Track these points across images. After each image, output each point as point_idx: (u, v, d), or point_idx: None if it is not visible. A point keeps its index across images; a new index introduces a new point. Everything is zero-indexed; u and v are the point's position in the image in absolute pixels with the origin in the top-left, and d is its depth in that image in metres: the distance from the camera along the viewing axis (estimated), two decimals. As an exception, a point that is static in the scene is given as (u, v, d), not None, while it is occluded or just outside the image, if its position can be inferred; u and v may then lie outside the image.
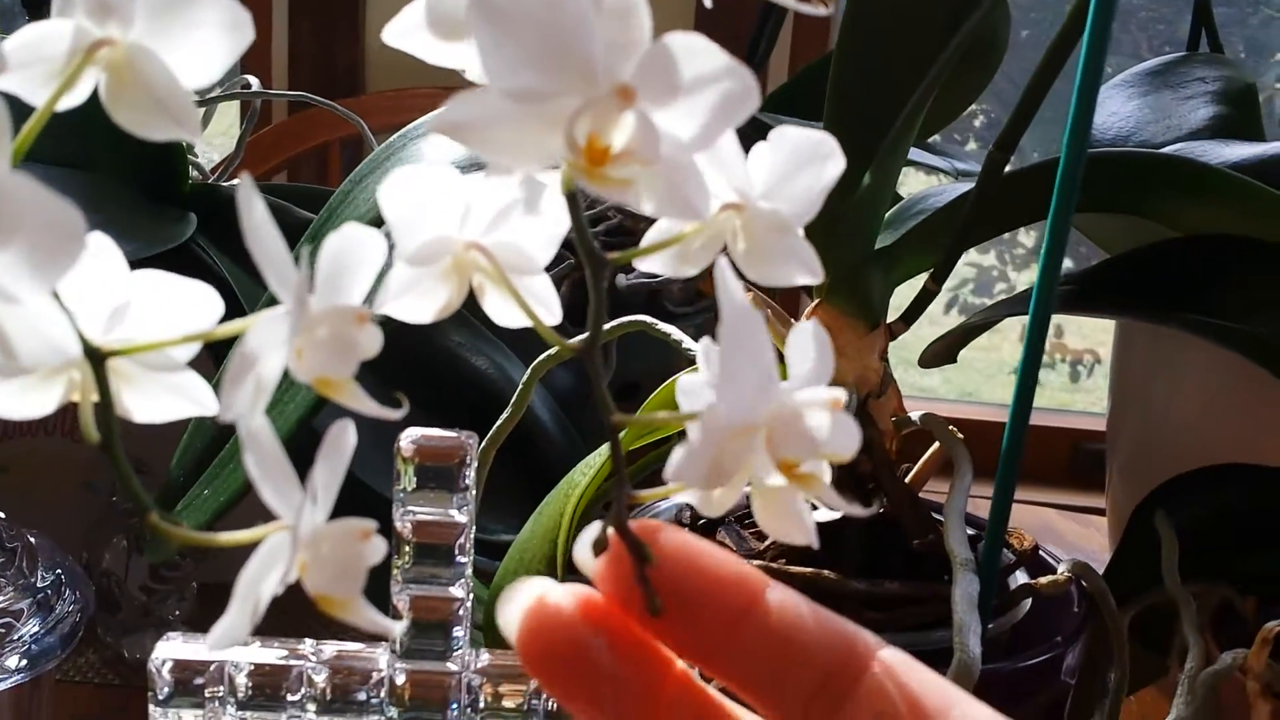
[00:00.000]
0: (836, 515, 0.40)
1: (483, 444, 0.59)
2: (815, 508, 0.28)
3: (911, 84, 0.57)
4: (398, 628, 0.28)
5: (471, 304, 0.36)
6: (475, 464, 0.40)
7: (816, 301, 0.56)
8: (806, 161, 0.31)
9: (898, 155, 0.57)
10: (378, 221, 0.56)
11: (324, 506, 0.26)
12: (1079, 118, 0.41)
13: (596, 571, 0.26)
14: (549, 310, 0.32)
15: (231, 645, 0.25)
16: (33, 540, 0.66)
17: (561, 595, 0.26)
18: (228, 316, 0.65)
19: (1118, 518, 0.94)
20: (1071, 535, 1.19)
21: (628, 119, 0.24)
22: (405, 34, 0.31)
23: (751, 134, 0.72)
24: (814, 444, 0.25)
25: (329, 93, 1.47)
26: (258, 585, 0.25)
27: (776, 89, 0.92)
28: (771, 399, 0.25)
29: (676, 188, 0.26)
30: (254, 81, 0.96)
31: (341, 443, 0.26)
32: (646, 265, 0.32)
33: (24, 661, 0.62)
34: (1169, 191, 0.62)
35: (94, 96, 0.29)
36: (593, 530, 0.27)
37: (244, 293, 0.73)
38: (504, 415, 0.61)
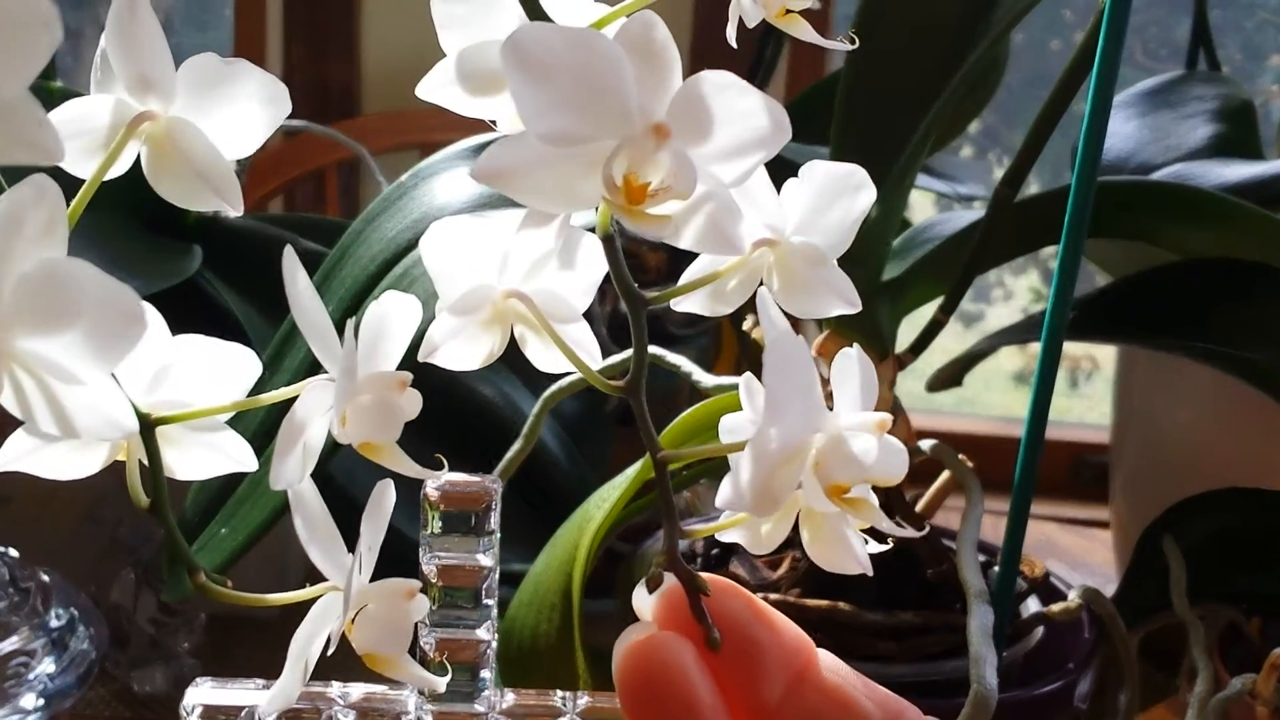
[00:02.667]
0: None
1: (494, 474, 0.59)
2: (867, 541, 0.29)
3: (917, 116, 0.58)
4: (442, 682, 0.29)
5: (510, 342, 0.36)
6: (499, 508, 0.40)
7: (826, 332, 0.56)
8: (838, 194, 0.32)
9: (904, 186, 0.58)
10: (391, 261, 0.57)
11: (368, 566, 0.27)
12: (1084, 168, 0.42)
13: (655, 611, 0.27)
14: (589, 355, 0.32)
15: (286, 706, 0.25)
16: (46, 579, 0.66)
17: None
18: None
19: (1122, 532, 0.95)
20: (1075, 549, 1.20)
21: (664, 156, 0.25)
22: (437, 89, 0.32)
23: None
24: (863, 468, 0.26)
25: (324, 115, 1.48)
26: (309, 645, 0.25)
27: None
28: (819, 424, 0.26)
29: (714, 222, 0.26)
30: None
31: (383, 503, 0.27)
32: (683, 305, 0.33)
33: (40, 701, 0.62)
34: (1169, 217, 0.63)
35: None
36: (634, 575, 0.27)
37: (250, 326, 0.73)
38: (515, 447, 0.61)
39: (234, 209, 0.28)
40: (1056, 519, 1.33)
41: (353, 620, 0.26)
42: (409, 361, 0.30)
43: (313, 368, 0.57)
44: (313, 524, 0.25)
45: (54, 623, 0.65)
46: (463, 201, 0.55)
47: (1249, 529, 0.58)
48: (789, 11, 0.35)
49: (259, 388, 0.35)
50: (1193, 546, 0.59)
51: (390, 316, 0.28)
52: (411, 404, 0.27)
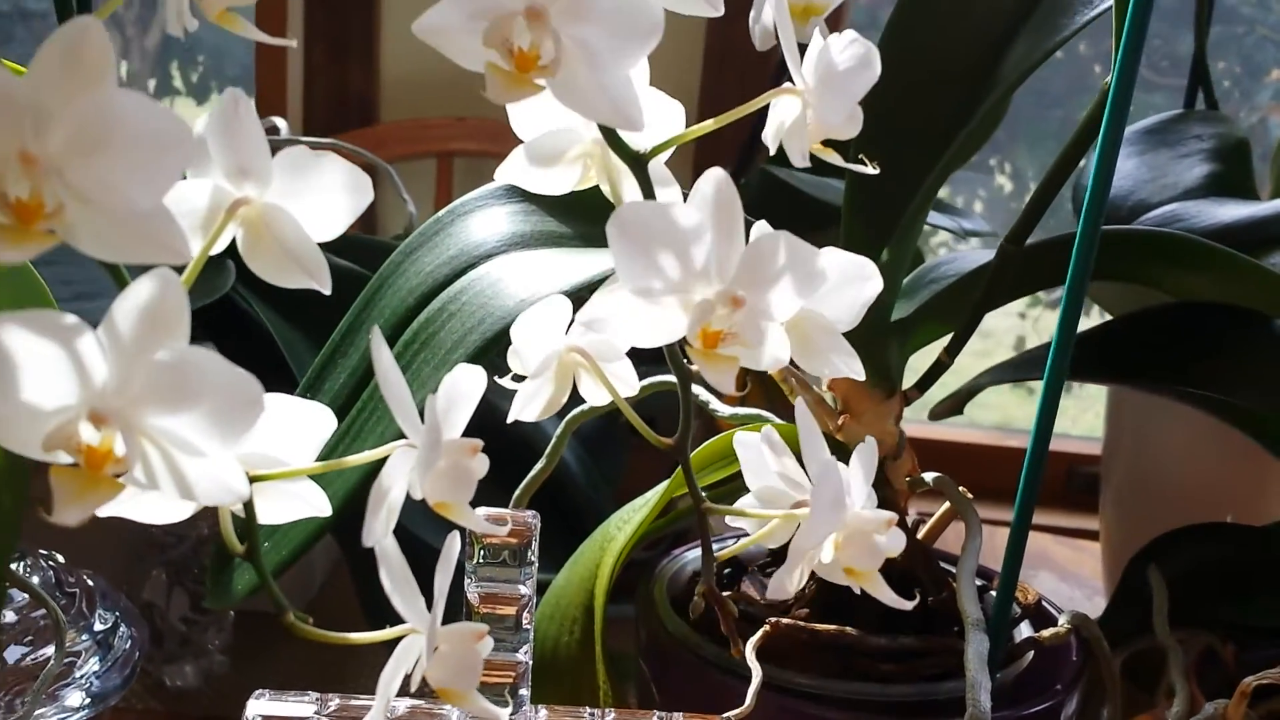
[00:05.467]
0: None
1: (518, 492, 0.63)
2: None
3: (930, 161, 0.62)
4: (505, 713, 0.32)
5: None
6: (537, 541, 0.44)
7: (836, 370, 0.60)
8: (851, 280, 0.36)
9: (913, 232, 0.62)
10: (429, 295, 0.60)
11: (439, 610, 0.30)
12: (1085, 237, 0.45)
13: None
14: (629, 385, 0.37)
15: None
16: (90, 583, 0.70)
17: None
18: (268, 362, 0.72)
19: (1110, 546, 0.99)
20: (1065, 561, 1.23)
21: (737, 316, 0.29)
22: (512, 171, 0.36)
23: (776, 191, 0.76)
24: (876, 555, 0.30)
25: (344, 123, 1.51)
26: (393, 681, 0.29)
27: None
28: (844, 519, 0.30)
29: (765, 355, 0.30)
30: (281, 125, 0.99)
31: (452, 554, 0.30)
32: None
33: (87, 699, 0.66)
34: (1160, 262, 0.66)
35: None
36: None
37: (283, 340, 0.76)
38: (538, 466, 0.65)
39: (324, 289, 0.31)
40: (1049, 529, 1.37)
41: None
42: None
43: (353, 393, 0.60)
44: (395, 576, 0.29)
45: (98, 625, 0.69)
46: (497, 240, 0.59)
47: (1229, 561, 0.62)
48: (809, 8, 0.40)
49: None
50: (1175, 576, 0.62)
51: (460, 387, 0.31)
52: (481, 466, 0.30)
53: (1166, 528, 0.70)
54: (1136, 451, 0.97)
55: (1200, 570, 0.62)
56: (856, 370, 0.35)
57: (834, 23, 0.51)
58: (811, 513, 0.30)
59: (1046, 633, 0.56)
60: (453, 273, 0.58)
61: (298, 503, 0.33)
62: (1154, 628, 0.60)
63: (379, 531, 0.29)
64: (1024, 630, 0.59)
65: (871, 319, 0.61)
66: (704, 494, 0.64)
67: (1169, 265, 0.67)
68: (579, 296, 0.54)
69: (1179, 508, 0.91)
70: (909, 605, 0.32)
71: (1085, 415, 2.09)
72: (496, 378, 0.36)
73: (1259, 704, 0.53)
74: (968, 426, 1.88)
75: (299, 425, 0.33)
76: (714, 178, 0.29)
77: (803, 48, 0.38)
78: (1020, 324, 2.25)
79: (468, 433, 0.84)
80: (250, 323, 0.81)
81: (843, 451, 0.60)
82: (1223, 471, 0.89)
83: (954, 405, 0.68)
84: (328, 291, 0.31)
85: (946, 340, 0.62)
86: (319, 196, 0.32)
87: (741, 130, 0.90)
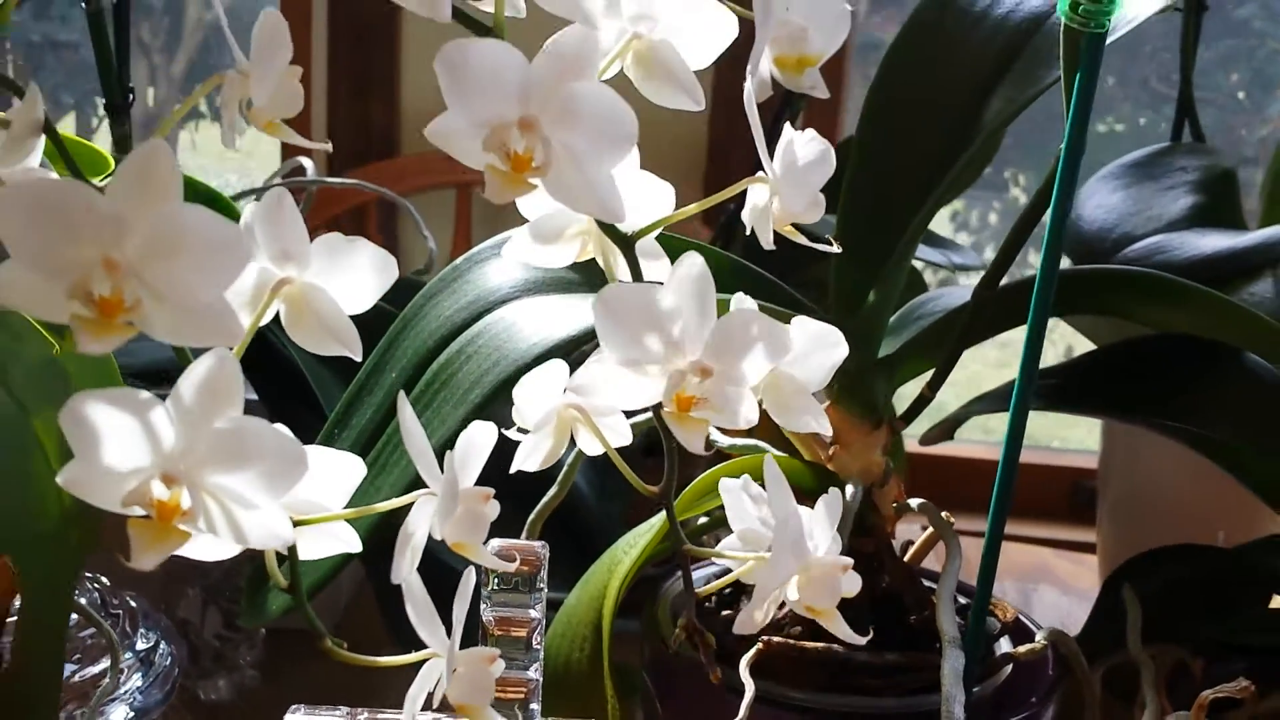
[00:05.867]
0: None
1: (531, 518, 0.67)
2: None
3: (917, 201, 0.66)
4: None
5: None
6: (546, 569, 0.48)
7: (827, 404, 0.64)
8: (820, 347, 0.40)
9: (899, 274, 0.66)
10: (449, 338, 0.65)
11: (458, 636, 0.35)
12: (1044, 282, 0.50)
13: None
14: (622, 435, 0.41)
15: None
16: (133, 604, 0.75)
17: None
18: (296, 396, 0.79)
19: (1106, 560, 1.03)
20: (1066, 575, 1.26)
21: (708, 384, 0.34)
22: (519, 248, 0.41)
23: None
24: (835, 596, 0.34)
25: (365, 154, 1.56)
26: (417, 700, 0.33)
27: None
28: (805, 561, 0.34)
29: (736, 413, 0.35)
30: (308, 166, 1.04)
31: (468, 588, 0.35)
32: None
33: (131, 714, 0.71)
34: (1137, 297, 0.70)
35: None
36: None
37: (314, 376, 0.81)
38: (549, 495, 0.69)
39: (355, 356, 0.36)
40: (1052, 542, 1.40)
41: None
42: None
43: (379, 427, 0.65)
44: (419, 609, 0.33)
45: (140, 644, 0.73)
46: (511, 286, 0.63)
47: (1199, 581, 0.66)
48: (803, 60, 0.44)
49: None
50: (1152, 594, 0.66)
51: (474, 442, 0.36)
52: (493, 510, 0.35)
53: (1160, 543, 0.74)
54: (1130, 468, 1.01)
55: (1175, 589, 0.67)
56: (825, 428, 0.39)
57: (837, 62, 0.55)
58: (773, 556, 0.34)
59: (1023, 648, 0.61)
60: (470, 317, 0.63)
61: (333, 540, 0.38)
62: (1128, 645, 0.64)
63: (405, 570, 0.33)
64: (1004, 645, 0.63)
65: (859, 357, 0.65)
66: (704, 517, 0.69)
67: (1147, 301, 0.71)
68: (587, 339, 0.58)
69: (1171, 523, 0.95)
70: (862, 640, 0.36)
71: (1095, 430, 2.13)
72: (503, 430, 0.40)
73: (1219, 715, 0.57)
74: (957, 441, 1.92)
75: (334, 473, 0.38)
76: (690, 263, 0.33)
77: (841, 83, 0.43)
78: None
79: (486, 468, 0.89)
80: (282, 358, 0.85)
81: (834, 480, 0.65)
82: (1214, 488, 0.92)
83: (943, 433, 0.72)
84: (359, 359, 0.36)
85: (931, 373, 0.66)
86: (351, 275, 0.37)
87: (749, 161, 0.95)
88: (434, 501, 0.34)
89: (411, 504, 0.35)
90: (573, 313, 0.59)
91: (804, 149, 0.37)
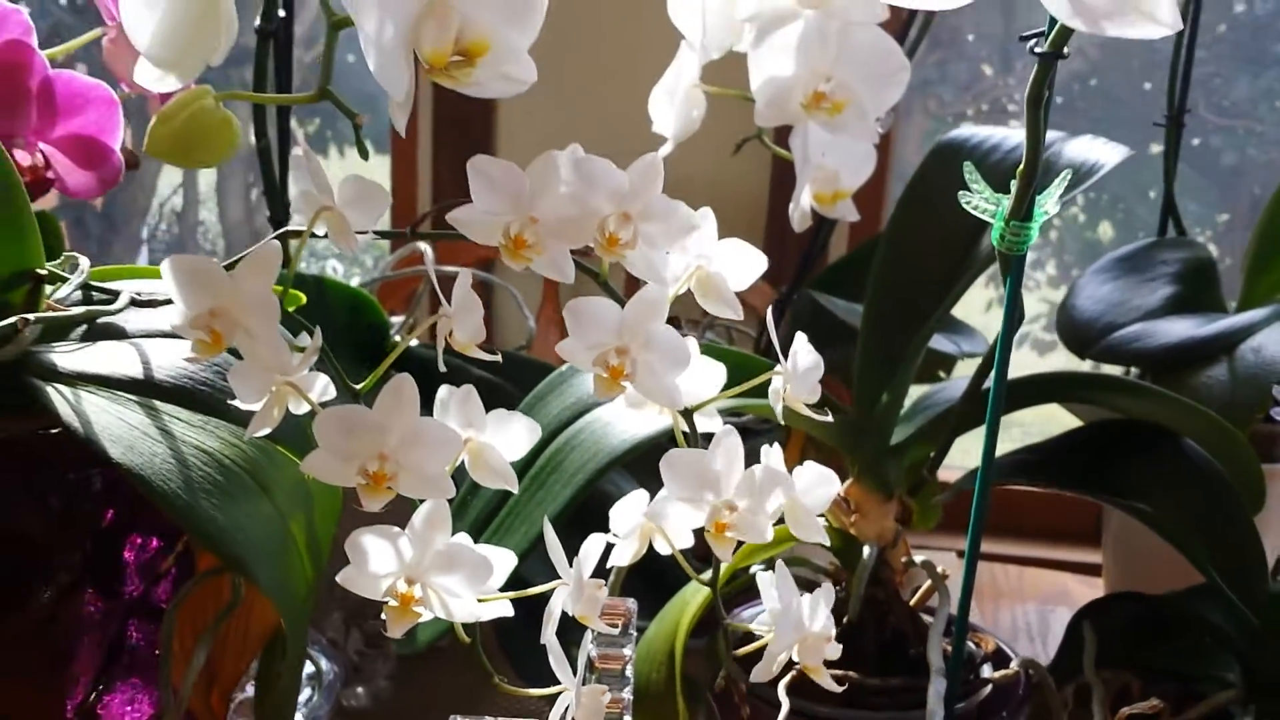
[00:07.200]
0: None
1: (611, 579, 0.85)
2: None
3: (923, 310, 0.84)
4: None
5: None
6: (635, 617, 0.67)
7: (850, 481, 0.83)
8: (820, 483, 0.58)
9: (909, 373, 0.84)
10: (556, 432, 0.84)
11: (580, 675, 0.54)
12: (993, 410, 0.68)
13: None
14: (684, 540, 0.59)
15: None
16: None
17: None
18: None
19: (1110, 585, 1.19)
20: (1082, 598, 1.41)
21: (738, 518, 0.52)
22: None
23: (817, 311, 1.04)
24: (820, 657, 0.53)
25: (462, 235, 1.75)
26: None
27: (824, 270, 1.19)
28: (801, 635, 0.53)
29: (759, 533, 0.53)
30: (427, 251, 1.23)
31: (586, 648, 0.54)
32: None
33: None
34: (1104, 392, 0.88)
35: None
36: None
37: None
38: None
39: (513, 489, 0.55)
40: (1076, 565, 1.55)
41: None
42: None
43: (502, 500, 0.84)
44: (556, 659, 0.52)
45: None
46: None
47: (1143, 619, 0.84)
48: (837, 195, 0.63)
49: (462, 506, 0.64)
50: (1111, 629, 0.84)
51: (589, 549, 0.55)
52: (604, 594, 0.54)
53: (1157, 571, 0.90)
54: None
55: (1125, 625, 0.84)
56: (823, 539, 0.58)
57: (882, 149, 0.72)
58: (776, 632, 0.53)
59: (999, 674, 0.79)
60: (572, 415, 0.82)
61: (497, 607, 0.57)
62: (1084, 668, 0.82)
63: (548, 635, 0.52)
64: (986, 671, 0.81)
65: (875, 444, 0.84)
66: (758, 566, 0.87)
67: (1110, 394, 0.88)
68: (660, 439, 0.77)
69: (1166, 551, 1.11)
70: (839, 689, 0.55)
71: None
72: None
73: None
74: (957, 469, 2.07)
75: (499, 566, 0.57)
76: (729, 436, 0.52)
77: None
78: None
79: (582, 513, 1.07)
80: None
81: (855, 542, 0.83)
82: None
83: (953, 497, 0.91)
84: (515, 490, 0.55)
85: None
86: (510, 434, 0.56)
87: (802, 244, 1.14)
88: (566, 590, 0.53)
89: (553, 590, 0.54)
90: (651, 419, 0.78)
91: (805, 357, 0.55)
